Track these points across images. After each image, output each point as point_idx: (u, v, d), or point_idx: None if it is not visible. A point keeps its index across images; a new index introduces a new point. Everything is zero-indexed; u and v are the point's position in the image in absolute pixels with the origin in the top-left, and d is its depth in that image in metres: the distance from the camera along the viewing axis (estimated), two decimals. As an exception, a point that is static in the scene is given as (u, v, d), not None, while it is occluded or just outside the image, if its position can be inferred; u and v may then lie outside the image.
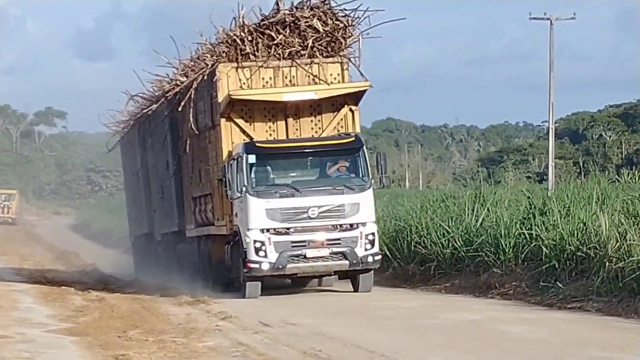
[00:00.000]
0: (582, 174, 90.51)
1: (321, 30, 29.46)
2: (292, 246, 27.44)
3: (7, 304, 31.52)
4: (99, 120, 52.89)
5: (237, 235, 28.53)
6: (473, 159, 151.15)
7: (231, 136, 29.69)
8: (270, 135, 30.33)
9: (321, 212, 27.74)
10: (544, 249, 29.01)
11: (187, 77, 35.12)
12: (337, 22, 29.85)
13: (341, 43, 30.13)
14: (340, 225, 27.93)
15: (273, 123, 30.23)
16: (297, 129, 29.67)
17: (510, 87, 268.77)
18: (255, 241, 27.18)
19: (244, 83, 29.22)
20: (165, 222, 41.42)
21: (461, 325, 23.68)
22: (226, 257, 31.10)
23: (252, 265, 27.32)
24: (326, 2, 29.49)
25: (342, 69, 29.85)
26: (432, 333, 22.62)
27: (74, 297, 32.46)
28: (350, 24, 30.03)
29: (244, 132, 29.66)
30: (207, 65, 31.23)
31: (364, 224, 28.10)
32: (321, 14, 29.53)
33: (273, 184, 28.52)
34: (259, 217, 27.27)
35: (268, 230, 27.19)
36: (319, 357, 19.41)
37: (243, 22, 29.47)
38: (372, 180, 28.71)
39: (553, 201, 33.35)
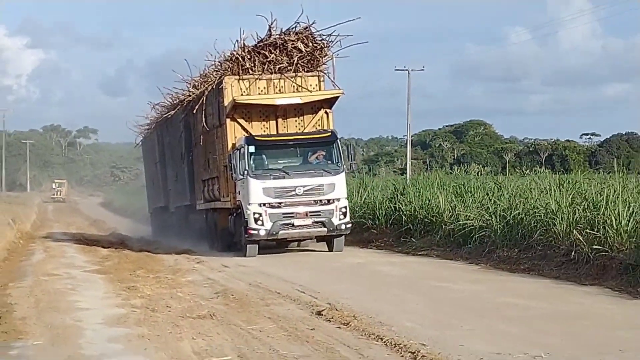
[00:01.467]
0: (428, 169, 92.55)
1: (304, 50, 27.29)
2: (283, 217, 25.44)
3: (58, 254, 30.96)
4: (126, 126, 50.23)
5: (239, 208, 26.40)
6: (359, 160, 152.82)
7: (234, 132, 27.34)
8: (264, 131, 28.19)
9: (305, 190, 25.89)
10: (404, 217, 30.07)
11: (197, 89, 32.51)
12: (316, 45, 27.63)
13: (319, 61, 27.80)
14: (320, 201, 25.95)
15: (266, 122, 27.95)
16: (284, 127, 27.59)
17: (384, 113, 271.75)
18: (254, 213, 25.32)
19: (244, 91, 27.11)
20: (179, 198, 37.59)
21: (351, 266, 24.24)
22: (230, 225, 28.31)
23: (252, 232, 25.27)
24: (307, 28, 27.40)
25: (319, 81, 27.64)
26: (333, 271, 23.34)
27: (102, 249, 31.46)
28: (325, 45, 27.84)
29: (244, 129, 27.28)
30: (215, 78, 28.67)
31: (338, 200, 25.99)
32: (304, 37, 27.40)
33: (268, 168, 26.24)
34: (257, 194, 25.48)
35: (264, 204, 25.43)
36: (260, 286, 20.00)
37: (244, 44, 27.17)
38: (345, 166, 26.60)
39: (409, 186, 34.71)
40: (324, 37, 27.29)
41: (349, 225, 25.51)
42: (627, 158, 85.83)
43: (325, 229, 25.07)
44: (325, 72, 27.48)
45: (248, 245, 25.26)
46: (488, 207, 25.67)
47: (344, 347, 12.60)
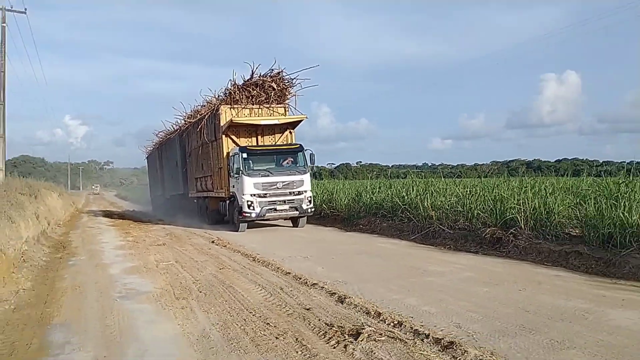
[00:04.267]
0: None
1: (276, 88, 20.95)
2: (268, 203, 18.84)
3: (93, 218, 31.75)
4: (138, 148, 53.17)
5: (232, 197, 20.27)
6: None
7: (227, 145, 20.56)
8: (249, 144, 21.41)
9: (283, 185, 18.95)
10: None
11: (191, 119, 25.44)
12: (284, 85, 20.99)
13: (285, 96, 21.02)
14: (293, 192, 19.22)
15: (250, 138, 21.01)
16: (262, 141, 20.75)
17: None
18: (247, 201, 18.64)
19: (233, 116, 20.67)
20: (174, 189, 30.19)
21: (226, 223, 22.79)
22: (220, 208, 21.97)
23: (246, 215, 18.70)
24: (279, 73, 20.56)
25: (285, 110, 21.05)
26: (218, 224, 22.60)
27: (114, 216, 33.56)
28: (290, 85, 21.11)
29: (234, 142, 20.88)
30: (212, 107, 22.63)
31: (305, 191, 19.43)
32: (277, 79, 20.64)
33: (257, 169, 19.42)
34: (250, 188, 18.61)
35: (254, 194, 18.67)
36: (187, 231, 20.47)
37: (235, 82, 20.67)
38: (309, 168, 19.82)
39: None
40: (290, 79, 21.88)
41: (312, 209, 20.43)
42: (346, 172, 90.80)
43: (298, 212, 19.90)
44: (288, 104, 21.83)
45: (240, 224, 20.02)
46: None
47: (223, 255, 13.60)
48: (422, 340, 6.13)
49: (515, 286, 8.82)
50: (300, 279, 9.70)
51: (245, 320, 7.35)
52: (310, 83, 22.08)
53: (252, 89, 21.77)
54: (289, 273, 10.13)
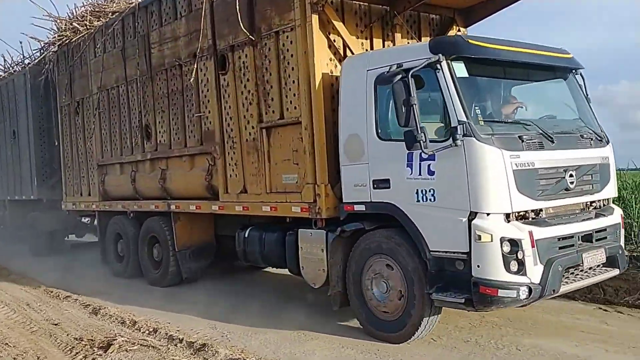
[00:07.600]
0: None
1: None
2: (560, 248, 4.28)
3: None
4: None
5: (354, 218, 5.35)
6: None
7: (320, 49, 5.44)
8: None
9: (578, 179, 4.70)
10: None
11: (104, 15, 10.66)
12: None
13: None
14: (593, 203, 5.02)
15: (365, 39, 6.13)
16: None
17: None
18: (504, 240, 3.80)
19: None
20: (6, 189, 14.53)
21: None
22: (242, 246, 7.00)
23: (502, 293, 3.70)
24: None
25: None
26: None
27: None
28: None
29: (332, 46, 5.70)
30: None
31: (610, 200, 5.54)
32: None
33: (505, 122, 4.66)
34: (504, 187, 3.81)
35: (520, 215, 4.10)
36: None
37: None
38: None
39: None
40: None
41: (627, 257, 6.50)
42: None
43: (617, 270, 5.47)
44: None
45: (427, 318, 5.21)
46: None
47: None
48: (176, 345, 6.13)
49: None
50: (51, 292, 9.14)
51: (-22, 342, 8.38)
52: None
53: None
54: (39, 287, 9.40)
